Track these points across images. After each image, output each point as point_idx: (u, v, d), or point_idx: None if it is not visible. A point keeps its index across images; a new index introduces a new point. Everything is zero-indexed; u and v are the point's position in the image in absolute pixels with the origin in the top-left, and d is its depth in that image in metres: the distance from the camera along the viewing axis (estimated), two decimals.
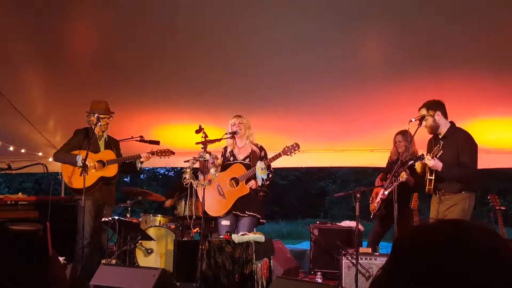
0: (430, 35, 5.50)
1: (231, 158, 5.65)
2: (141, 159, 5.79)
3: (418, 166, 5.13)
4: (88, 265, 5.26)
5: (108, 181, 5.79)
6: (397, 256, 0.97)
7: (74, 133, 5.97)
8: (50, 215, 5.81)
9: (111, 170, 5.78)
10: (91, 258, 5.57)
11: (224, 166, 5.63)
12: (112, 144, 5.98)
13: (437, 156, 4.81)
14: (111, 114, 5.90)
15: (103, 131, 5.89)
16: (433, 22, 5.31)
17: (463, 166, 4.89)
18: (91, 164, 5.59)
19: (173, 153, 5.95)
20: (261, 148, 5.63)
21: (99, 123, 5.69)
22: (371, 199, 6.80)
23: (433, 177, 4.92)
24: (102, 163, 5.75)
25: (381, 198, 6.09)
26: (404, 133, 6.38)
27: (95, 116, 5.64)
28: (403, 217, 6.21)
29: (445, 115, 5.05)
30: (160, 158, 5.96)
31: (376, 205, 5.88)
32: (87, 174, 5.34)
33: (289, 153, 5.45)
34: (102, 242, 5.87)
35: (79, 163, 5.58)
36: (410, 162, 5.15)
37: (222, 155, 5.75)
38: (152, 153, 5.82)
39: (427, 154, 4.99)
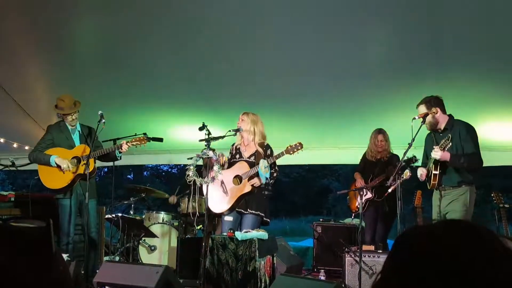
0: (432, 33, 5.50)
1: (237, 156, 5.65)
2: (121, 150, 5.57)
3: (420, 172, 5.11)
4: (80, 261, 5.22)
5: (86, 177, 5.58)
6: (395, 258, 0.97)
7: (47, 129, 5.78)
8: (55, 211, 5.78)
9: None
10: (80, 253, 5.52)
11: (230, 163, 5.63)
12: (86, 133, 5.75)
13: (446, 149, 4.76)
14: (77, 108, 5.64)
15: (74, 125, 5.69)
16: (434, 20, 5.31)
17: (471, 154, 4.86)
18: (65, 165, 5.44)
19: (148, 140, 5.65)
20: (267, 147, 5.61)
21: (103, 120, 5.49)
22: (349, 198, 6.81)
23: (438, 172, 4.89)
24: (78, 159, 5.54)
25: (367, 199, 6.10)
26: (384, 132, 6.42)
27: (99, 113, 5.50)
28: (383, 214, 6.27)
29: (443, 110, 5.03)
30: (136, 147, 5.71)
31: (358, 206, 5.85)
32: (90, 170, 5.32)
33: (291, 152, 5.44)
34: (94, 238, 5.76)
35: (54, 164, 5.46)
36: (402, 164, 5.11)
37: (230, 152, 5.76)
38: (128, 141, 5.58)
39: (434, 147, 4.92)
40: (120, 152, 5.66)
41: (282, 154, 5.43)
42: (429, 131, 5.20)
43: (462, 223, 0.96)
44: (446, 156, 4.78)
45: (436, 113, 4.95)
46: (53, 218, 5.50)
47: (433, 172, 4.91)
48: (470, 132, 4.95)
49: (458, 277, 0.87)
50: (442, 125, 5.04)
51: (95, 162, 5.63)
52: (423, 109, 5.00)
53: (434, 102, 4.98)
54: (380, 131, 6.46)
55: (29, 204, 5.99)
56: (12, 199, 6.14)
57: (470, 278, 0.86)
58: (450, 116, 5.06)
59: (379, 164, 6.41)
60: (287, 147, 5.45)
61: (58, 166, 5.47)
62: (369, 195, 6.18)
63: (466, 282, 0.86)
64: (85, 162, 5.39)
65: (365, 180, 6.41)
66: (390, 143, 6.47)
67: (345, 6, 5.39)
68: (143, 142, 5.63)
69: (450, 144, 4.70)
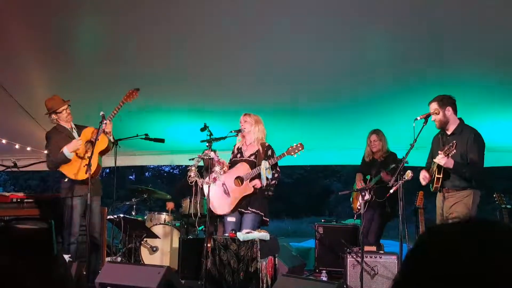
0: (432, 34, 5.49)
1: (238, 155, 5.68)
2: (107, 131, 5.49)
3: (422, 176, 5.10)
4: (82, 261, 5.22)
5: (105, 152, 5.67)
6: (415, 256, 0.96)
7: (47, 137, 5.76)
8: (57, 212, 5.78)
9: (102, 142, 5.56)
10: (82, 253, 5.52)
11: (232, 163, 5.66)
12: (82, 130, 5.74)
13: (450, 155, 4.76)
14: (68, 103, 5.68)
15: (70, 122, 5.72)
16: (435, 21, 5.31)
17: (472, 165, 4.86)
18: (76, 143, 5.45)
19: (137, 89, 5.65)
20: (268, 147, 5.64)
21: (105, 121, 5.48)
22: (352, 199, 6.81)
23: (441, 176, 4.89)
24: (91, 143, 5.51)
25: (366, 200, 6.09)
26: (378, 132, 6.45)
27: (101, 114, 5.49)
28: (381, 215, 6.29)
29: (455, 111, 5.02)
30: (131, 101, 5.64)
31: (359, 207, 5.86)
32: (93, 171, 5.34)
33: (293, 153, 5.47)
34: (97, 238, 5.75)
35: (69, 154, 5.46)
36: (392, 166, 5.09)
37: (232, 152, 5.80)
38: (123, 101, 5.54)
39: (439, 152, 4.91)
40: (106, 132, 5.53)
41: (283, 155, 5.46)
42: (437, 132, 5.20)
43: (498, 225, 0.94)
44: (450, 163, 4.78)
45: (438, 114, 4.94)
46: (58, 218, 5.57)
47: (436, 176, 4.91)
48: (477, 141, 4.93)
49: (471, 281, 0.85)
50: (451, 127, 5.02)
51: (108, 139, 5.61)
52: (435, 106, 4.98)
53: (446, 100, 4.97)
54: (373, 131, 6.51)
55: (34, 204, 6.02)
56: (14, 200, 6.14)
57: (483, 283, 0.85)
58: (461, 120, 5.05)
59: (376, 165, 6.42)
60: (289, 148, 5.48)
61: (75, 153, 5.46)
62: (367, 196, 6.18)
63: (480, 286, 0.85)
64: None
65: (365, 181, 6.44)
66: (386, 143, 6.50)
67: (345, 7, 5.39)
68: (134, 95, 5.59)
69: (455, 151, 4.69)
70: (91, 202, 5.52)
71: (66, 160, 5.52)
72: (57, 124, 5.72)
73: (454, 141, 4.71)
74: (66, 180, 5.53)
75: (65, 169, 5.57)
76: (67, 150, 5.49)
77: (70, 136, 5.66)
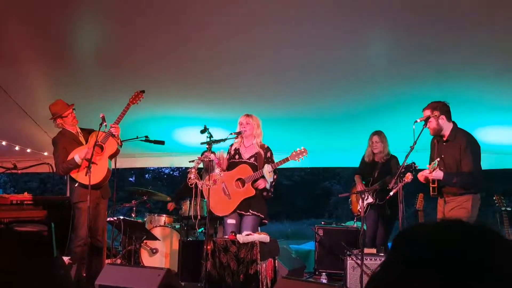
0: (434, 35, 5.49)
1: (236, 156, 5.64)
2: (114, 134, 5.50)
3: (420, 175, 5.09)
4: (82, 263, 5.21)
5: (114, 156, 5.68)
6: (393, 252, 0.95)
7: (54, 143, 5.70)
8: (57, 215, 5.77)
9: (111, 146, 5.57)
10: (88, 256, 5.53)
11: (230, 164, 5.63)
12: (87, 134, 5.73)
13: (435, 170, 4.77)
14: (72, 106, 5.64)
15: (75, 125, 5.71)
16: (435, 22, 5.31)
17: (465, 173, 4.84)
18: (85, 151, 5.40)
19: (142, 91, 5.66)
20: (267, 149, 5.62)
21: (105, 123, 5.47)
22: (350, 201, 6.81)
23: (435, 185, 4.89)
24: (100, 147, 5.47)
25: (369, 203, 6.09)
26: (380, 134, 6.45)
27: (101, 116, 5.49)
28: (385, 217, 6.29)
29: (449, 117, 4.99)
30: (138, 103, 5.64)
31: (360, 209, 5.85)
32: (103, 177, 5.41)
33: (296, 158, 5.45)
34: (101, 241, 5.75)
35: (80, 160, 5.43)
36: (402, 170, 5.07)
37: (228, 152, 5.76)
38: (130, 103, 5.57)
39: (428, 166, 4.93)
40: (114, 135, 5.53)
41: (287, 159, 5.44)
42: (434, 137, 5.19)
43: (458, 224, 0.93)
44: (439, 175, 4.78)
45: (438, 117, 4.94)
46: (64, 220, 5.57)
47: (432, 185, 4.91)
48: (470, 147, 4.88)
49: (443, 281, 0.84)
50: (445, 133, 5.00)
51: (116, 142, 5.60)
52: (428, 113, 4.97)
53: (440, 108, 4.95)
54: (376, 132, 6.50)
55: (35, 207, 6.01)
56: (14, 202, 6.14)
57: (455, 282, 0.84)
58: (454, 124, 5.02)
59: (378, 167, 6.42)
60: (292, 153, 5.46)
61: (85, 160, 5.41)
62: (370, 199, 6.17)
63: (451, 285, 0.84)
64: (105, 144, 5.47)
65: (366, 183, 6.43)
66: (387, 145, 6.49)
67: (346, 8, 5.39)
68: (140, 97, 5.61)
69: (438, 167, 4.72)
70: (98, 205, 5.59)
71: (77, 166, 5.50)
72: (62, 129, 5.69)
73: (437, 161, 4.73)
74: (76, 184, 5.51)
75: (75, 174, 5.56)
76: (78, 157, 5.46)
77: (76, 140, 5.64)
